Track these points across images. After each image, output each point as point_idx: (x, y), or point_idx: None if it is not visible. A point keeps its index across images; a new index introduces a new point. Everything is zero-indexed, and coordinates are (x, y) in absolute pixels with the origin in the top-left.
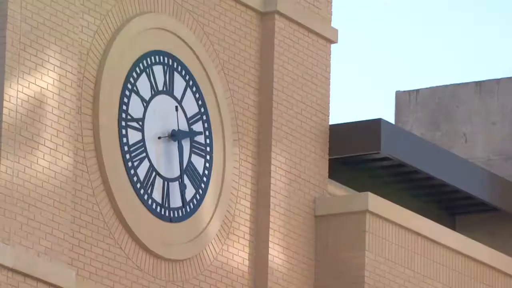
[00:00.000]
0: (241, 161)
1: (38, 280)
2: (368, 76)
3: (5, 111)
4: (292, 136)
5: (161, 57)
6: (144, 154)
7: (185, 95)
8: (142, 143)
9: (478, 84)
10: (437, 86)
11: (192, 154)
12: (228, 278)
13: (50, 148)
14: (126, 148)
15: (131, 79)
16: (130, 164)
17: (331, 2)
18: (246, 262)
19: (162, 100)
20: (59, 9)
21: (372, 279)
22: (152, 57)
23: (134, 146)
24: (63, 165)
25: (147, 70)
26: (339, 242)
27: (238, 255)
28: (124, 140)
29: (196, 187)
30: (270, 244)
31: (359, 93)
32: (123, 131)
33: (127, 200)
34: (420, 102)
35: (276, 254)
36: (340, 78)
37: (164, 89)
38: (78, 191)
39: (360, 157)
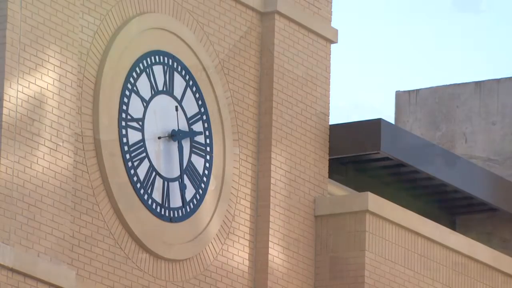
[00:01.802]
0: (241, 161)
1: (38, 280)
2: (368, 76)
3: (5, 111)
4: (292, 136)
5: (161, 57)
6: (144, 154)
7: (185, 95)
8: (142, 143)
9: (478, 84)
10: (437, 86)
11: (192, 154)
12: (228, 278)
13: (50, 148)
14: (126, 148)
15: (131, 79)
16: (130, 164)
17: (331, 2)
18: (246, 262)
19: (162, 100)
20: (59, 9)
21: (372, 279)
22: (152, 57)
23: (134, 146)
24: (63, 165)
25: (147, 70)
26: (339, 242)
27: (238, 255)
28: (124, 140)
29: (196, 187)
30: (270, 244)
31: (359, 93)
32: (123, 131)
33: (127, 200)
34: (420, 102)
35: (276, 254)
36: (340, 78)
37: (164, 89)
38: (78, 191)
39: (360, 157)
